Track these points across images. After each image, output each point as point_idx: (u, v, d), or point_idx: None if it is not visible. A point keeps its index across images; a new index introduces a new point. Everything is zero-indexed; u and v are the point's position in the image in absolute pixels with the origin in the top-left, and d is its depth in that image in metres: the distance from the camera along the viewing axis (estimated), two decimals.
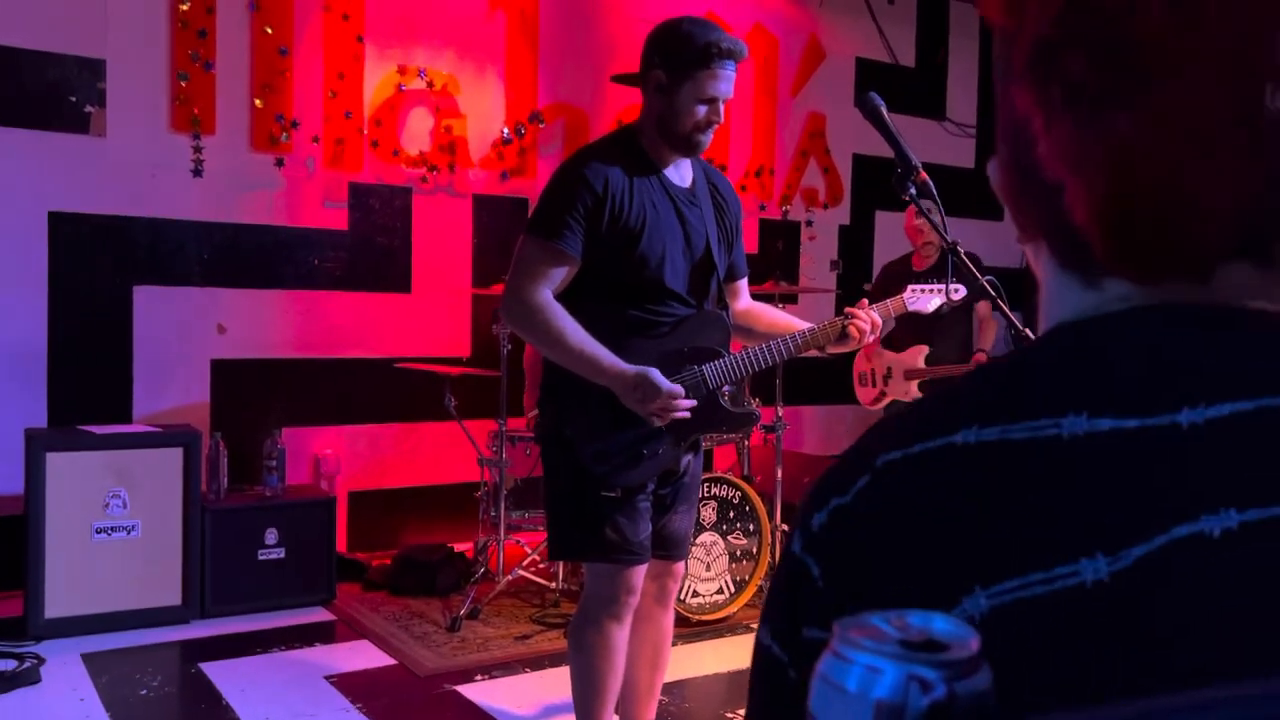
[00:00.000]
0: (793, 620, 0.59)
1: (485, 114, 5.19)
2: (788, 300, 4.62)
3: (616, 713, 2.57)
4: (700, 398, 2.36)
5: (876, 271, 4.67)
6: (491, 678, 3.49)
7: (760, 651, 0.62)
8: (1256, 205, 0.55)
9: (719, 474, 4.15)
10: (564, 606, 4.15)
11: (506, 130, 5.23)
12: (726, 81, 2.34)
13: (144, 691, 3.30)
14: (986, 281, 1.99)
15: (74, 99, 4.28)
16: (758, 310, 2.64)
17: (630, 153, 2.34)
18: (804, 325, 2.54)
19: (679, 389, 2.28)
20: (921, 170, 1.98)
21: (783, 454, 4.55)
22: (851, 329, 2.49)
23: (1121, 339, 0.57)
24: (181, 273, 4.51)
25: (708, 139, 2.38)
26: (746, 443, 4.46)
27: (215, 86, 4.51)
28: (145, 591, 3.80)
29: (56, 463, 3.68)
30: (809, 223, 6.29)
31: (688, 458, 2.50)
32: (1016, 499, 0.52)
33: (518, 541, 4.39)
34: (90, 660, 3.51)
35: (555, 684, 3.46)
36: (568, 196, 2.27)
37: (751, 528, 4.15)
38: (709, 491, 4.05)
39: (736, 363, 2.43)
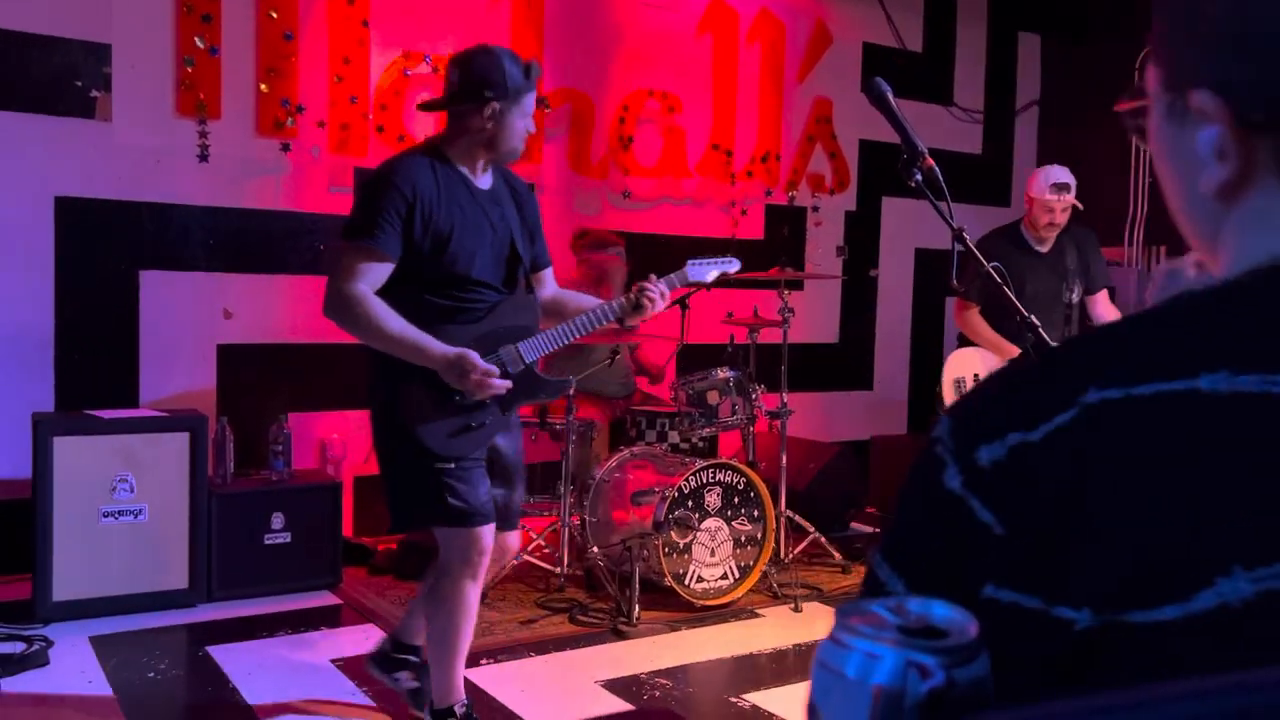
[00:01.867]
0: (955, 573, 0.50)
1: None
2: (794, 286, 4.60)
3: (407, 614, 2.92)
4: (518, 371, 2.68)
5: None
6: (496, 661, 3.51)
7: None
8: None
9: (724, 460, 4.16)
10: (569, 592, 4.17)
11: None
12: (534, 98, 2.71)
13: (151, 674, 3.32)
14: (992, 268, 1.99)
15: (80, 84, 4.27)
16: (565, 296, 2.94)
17: (437, 163, 2.64)
18: (596, 302, 2.86)
19: (494, 368, 2.58)
20: (928, 156, 1.97)
21: (787, 440, 4.55)
22: (644, 300, 2.77)
23: None
24: (187, 258, 4.51)
25: (523, 146, 2.75)
26: (752, 429, 4.46)
27: (221, 71, 4.50)
28: (152, 575, 3.82)
29: (64, 447, 3.69)
30: (815, 208, 6.26)
31: (506, 440, 2.77)
32: None
33: (523, 526, 4.40)
34: (98, 643, 3.53)
35: (560, 668, 3.48)
36: (382, 202, 2.53)
37: (756, 514, 4.15)
38: (714, 478, 4.06)
39: (546, 338, 2.75)
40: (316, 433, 4.82)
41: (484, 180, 2.73)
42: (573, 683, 3.36)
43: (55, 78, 4.23)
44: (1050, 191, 4.20)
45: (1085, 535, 0.47)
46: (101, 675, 3.29)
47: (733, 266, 2.96)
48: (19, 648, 3.39)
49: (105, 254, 4.36)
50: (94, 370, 4.35)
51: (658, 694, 3.29)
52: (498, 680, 3.34)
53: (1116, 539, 0.46)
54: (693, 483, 4.00)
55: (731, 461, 4.16)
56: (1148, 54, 0.61)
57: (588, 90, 5.45)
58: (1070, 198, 4.23)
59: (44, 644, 3.43)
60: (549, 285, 2.92)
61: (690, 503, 4.00)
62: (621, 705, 3.19)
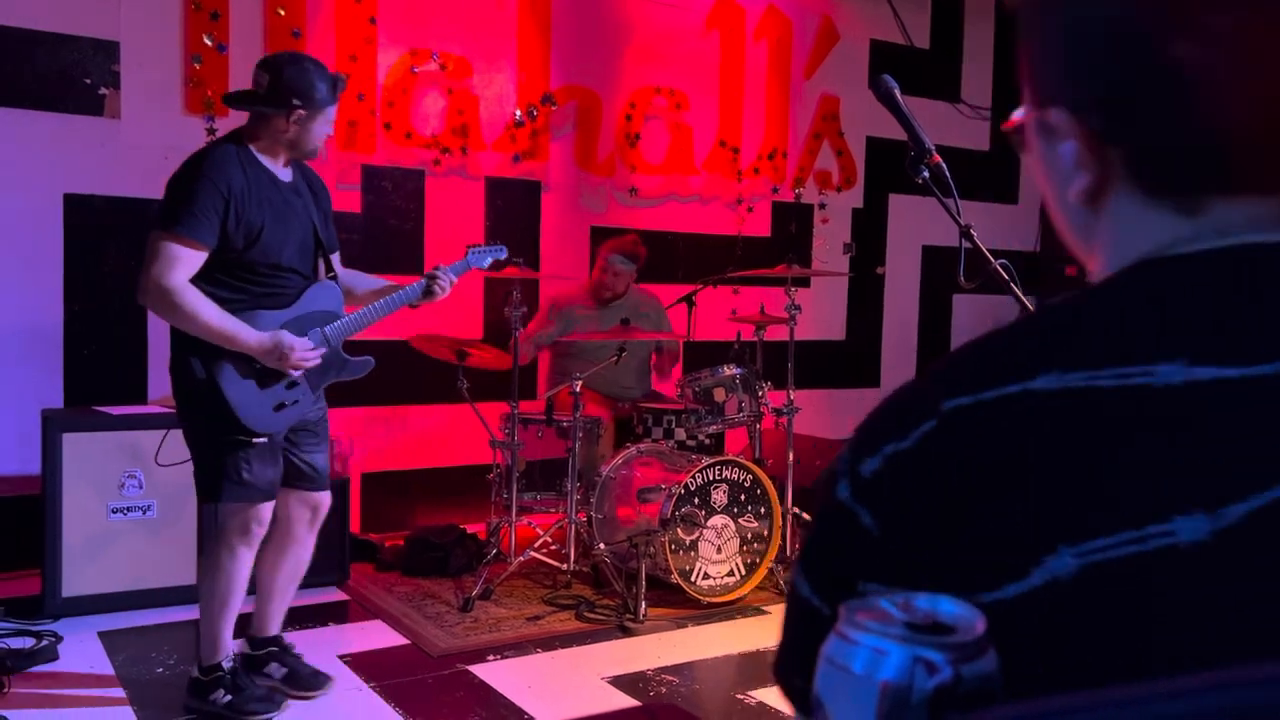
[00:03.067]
0: (843, 572, 0.55)
1: (497, 96, 5.18)
2: (800, 284, 4.60)
3: (255, 611, 3.14)
4: (328, 352, 2.93)
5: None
6: (503, 658, 3.51)
7: (800, 605, 0.58)
8: None
9: (730, 457, 4.16)
10: (575, 588, 4.17)
11: (519, 113, 5.22)
12: (336, 109, 2.95)
13: (160, 669, 3.33)
14: (999, 265, 1.99)
15: (88, 81, 4.29)
16: (353, 276, 3.20)
17: (244, 158, 2.82)
18: (393, 286, 3.16)
19: (307, 341, 2.84)
20: (935, 153, 1.97)
21: (794, 437, 4.55)
22: (435, 287, 3.09)
23: (1222, 280, 0.52)
24: None
25: (324, 147, 2.99)
26: (758, 426, 4.46)
27: (229, 68, 4.51)
28: (161, 570, 3.83)
29: (73, 443, 3.71)
30: (822, 205, 6.26)
31: (319, 407, 3.04)
32: (1105, 452, 0.49)
33: (529, 523, 4.41)
34: (107, 638, 3.55)
35: (567, 664, 3.48)
36: (197, 194, 2.70)
37: (763, 511, 4.15)
38: (720, 475, 4.06)
39: (351, 321, 3.01)
40: None
41: (285, 173, 2.93)
42: (579, 679, 3.37)
43: (64, 75, 4.24)
44: None
45: (944, 527, 0.51)
46: (110, 670, 3.30)
47: (503, 253, 3.43)
48: (28, 643, 3.40)
49: (114, 251, 4.37)
50: (103, 366, 4.36)
51: (664, 690, 3.30)
52: (504, 676, 3.35)
53: (968, 528, 0.51)
54: (699, 480, 4.00)
55: (738, 459, 4.16)
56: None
57: (595, 87, 5.45)
58: None
59: (53, 639, 3.44)
60: (335, 266, 3.12)
61: (697, 500, 4.00)
62: (628, 701, 3.20)
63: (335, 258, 3.10)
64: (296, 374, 2.86)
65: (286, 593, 3.17)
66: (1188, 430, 0.48)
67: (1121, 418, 0.49)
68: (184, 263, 2.70)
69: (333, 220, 3.12)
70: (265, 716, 2.98)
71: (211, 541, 2.96)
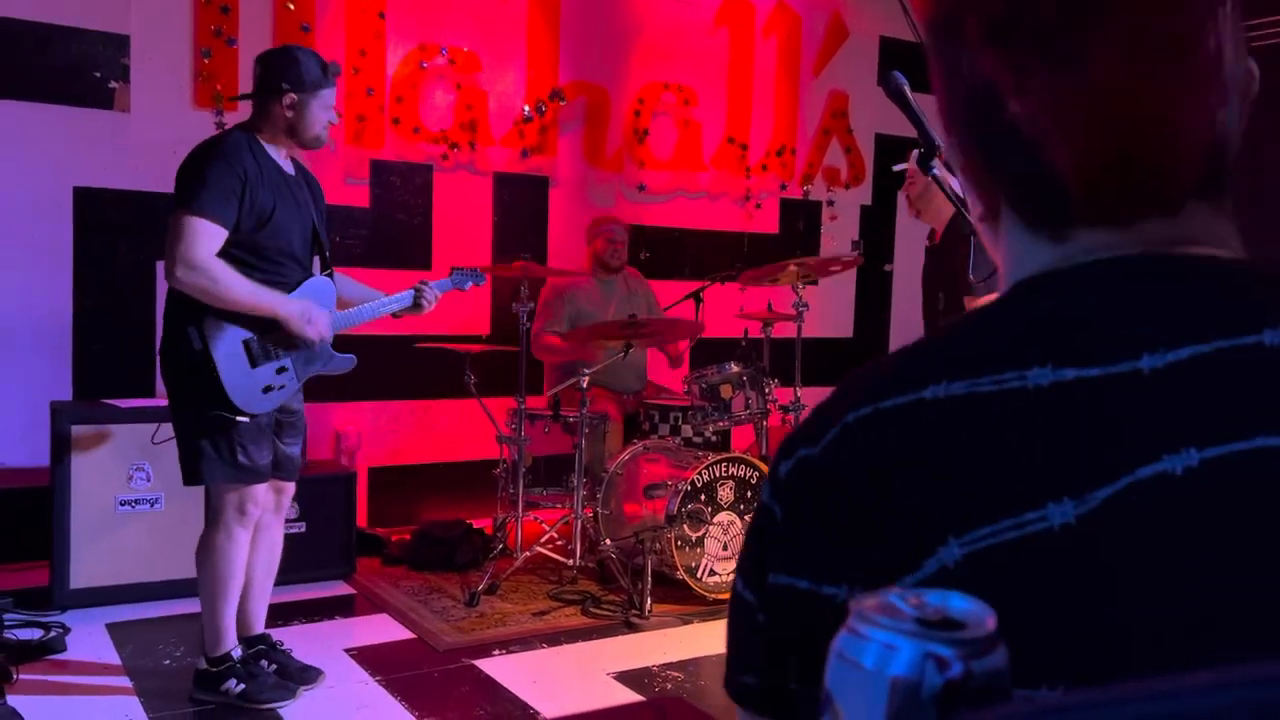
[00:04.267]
0: (760, 565, 0.60)
1: (506, 91, 5.18)
2: (808, 281, 4.59)
3: (238, 612, 3.09)
4: (318, 344, 3.02)
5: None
6: (509, 652, 3.52)
7: (733, 596, 0.64)
8: (1218, 139, 0.58)
9: (737, 454, 4.16)
10: (581, 584, 4.18)
11: (527, 108, 5.22)
12: (334, 94, 3.02)
13: (167, 661, 3.34)
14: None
15: (98, 74, 4.30)
16: (342, 279, 3.28)
17: (252, 149, 2.90)
18: (380, 294, 3.26)
19: (326, 315, 2.97)
20: (944, 150, 1.96)
21: None
22: (422, 300, 3.23)
23: (1082, 292, 0.58)
24: None
25: (327, 137, 3.05)
26: (765, 423, 4.46)
27: (238, 62, 4.52)
28: (168, 563, 3.84)
29: (82, 436, 3.72)
30: (830, 202, 6.25)
31: (299, 400, 3.10)
32: (985, 450, 0.54)
33: (536, 518, 4.42)
34: (115, 630, 3.56)
35: (572, 660, 3.49)
36: (215, 175, 2.78)
37: None
38: (726, 471, 4.06)
39: (344, 317, 3.11)
40: (331, 423, 4.84)
41: (288, 166, 3.02)
42: (585, 674, 3.37)
43: (74, 68, 4.25)
44: None
45: (845, 524, 0.56)
46: (118, 661, 3.31)
47: (481, 280, 3.60)
48: (37, 634, 3.42)
49: (123, 244, 4.39)
50: (112, 360, 4.38)
51: (669, 686, 3.30)
52: (510, 671, 3.36)
53: (865, 524, 0.55)
54: (705, 476, 4.00)
55: (744, 455, 4.16)
56: None
57: (603, 83, 5.45)
58: None
59: (61, 630, 3.46)
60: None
61: (703, 496, 4.00)
62: (633, 697, 3.20)
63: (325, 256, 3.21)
64: (312, 340, 2.93)
65: (265, 586, 3.18)
66: (1055, 426, 0.53)
67: (998, 418, 0.54)
68: (208, 239, 2.76)
69: (324, 220, 3.19)
70: (278, 705, 2.99)
71: (207, 528, 2.99)
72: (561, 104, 5.30)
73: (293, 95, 2.91)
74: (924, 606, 0.44)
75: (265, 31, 4.57)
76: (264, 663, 3.11)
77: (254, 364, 2.90)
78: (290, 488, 3.19)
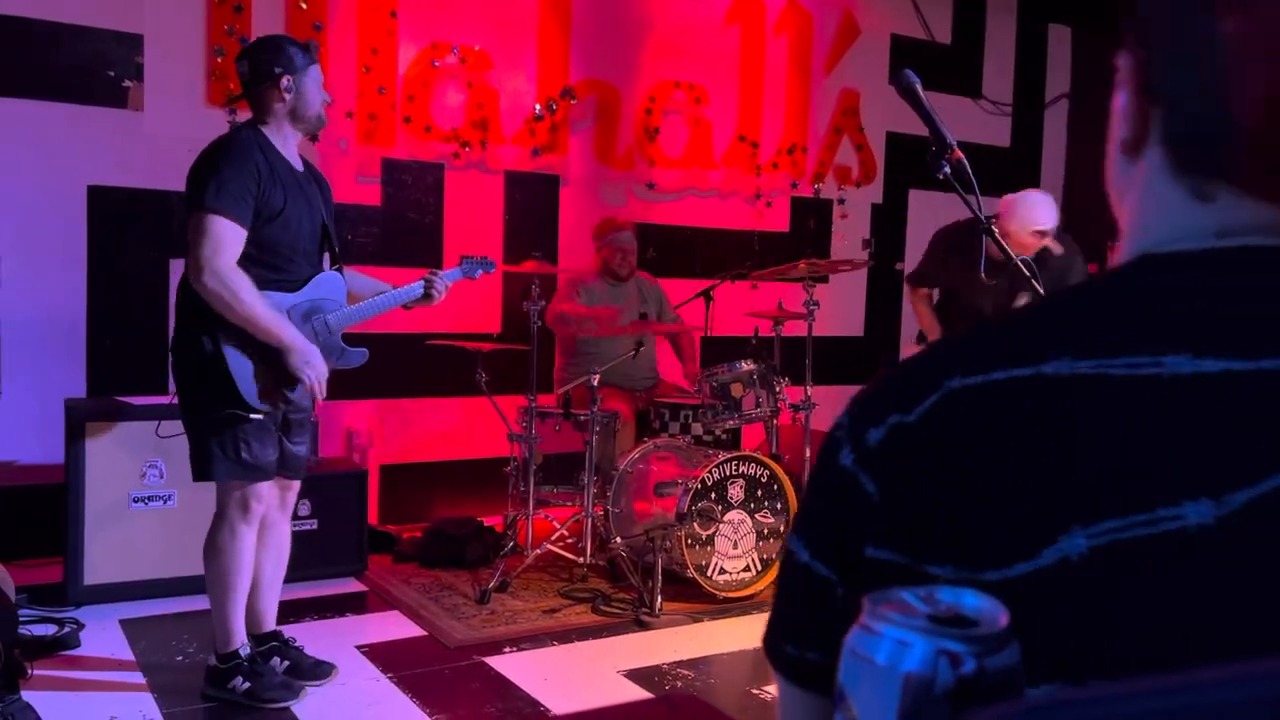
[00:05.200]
0: (843, 537, 0.56)
1: (517, 90, 5.19)
2: (819, 280, 4.58)
3: (248, 609, 3.09)
4: (327, 339, 3.01)
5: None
6: (520, 650, 3.53)
7: (796, 569, 0.59)
8: None
9: (747, 452, 4.16)
10: (592, 581, 4.18)
11: (538, 106, 5.22)
12: (320, 71, 3.02)
13: (180, 658, 3.36)
14: (1020, 261, 1.98)
15: (112, 73, 4.32)
16: (352, 275, 3.26)
17: (261, 142, 2.90)
18: (390, 287, 3.24)
19: (324, 368, 2.94)
20: (956, 149, 1.96)
21: (811, 433, 4.54)
22: (432, 291, 3.23)
23: (1226, 276, 0.54)
24: None
25: (325, 117, 3.05)
26: (775, 422, 4.46)
27: None
28: (181, 560, 3.85)
29: (95, 432, 3.74)
30: (841, 201, 6.24)
31: (306, 400, 3.05)
32: (1116, 437, 0.51)
33: (546, 516, 4.42)
34: (128, 626, 3.58)
35: (583, 657, 3.49)
36: (232, 175, 2.78)
37: (779, 506, 4.15)
38: (737, 470, 4.06)
39: (353, 312, 3.11)
40: (343, 421, 4.86)
41: (296, 162, 3.01)
42: (595, 672, 3.38)
43: (88, 67, 4.27)
44: (1030, 236, 3.87)
45: (948, 501, 0.53)
46: (131, 657, 3.33)
47: (491, 268, 3.59)
48: (51, 630, 3.44)
49: (137, 242, 4.41)
50: (125, 357, 4.40)
51: (680, 684, 3.30)
52: (521, 668, 3.36)
53: (974, 505, 0.52)
54: (716, 475, 4.00)
55: (755, 454, 4.16)
56: None
57: (614, 81, 5.45)
58: (1048, 239, 3.92)
59: (75, 626, 3.48)
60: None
61: (713, 495, 4.00)
62: (644, 695, 3.21)
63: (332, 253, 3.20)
64: (305, 383, 2.92)
65: (274, 583, 3.18)
66: (1194, 419, 0.50)
67: (1132, 404, 0.51)
68: (231, 242, 2.78)
69: (332, 216, 3.19)
70: (284, 704, 3.00)
71: (213, 528, 3.00)
72: (572, 102, 5.31)
73: (288, 77, 2.91)
74: (937, 603, 0.44)
75: (278, 30, 4.58)
76: (276, 660, 3.12)
77: (263, 363, 2.89)
78: (296, 485, 3.19)
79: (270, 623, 3.19)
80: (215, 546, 2.98)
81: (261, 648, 3.13)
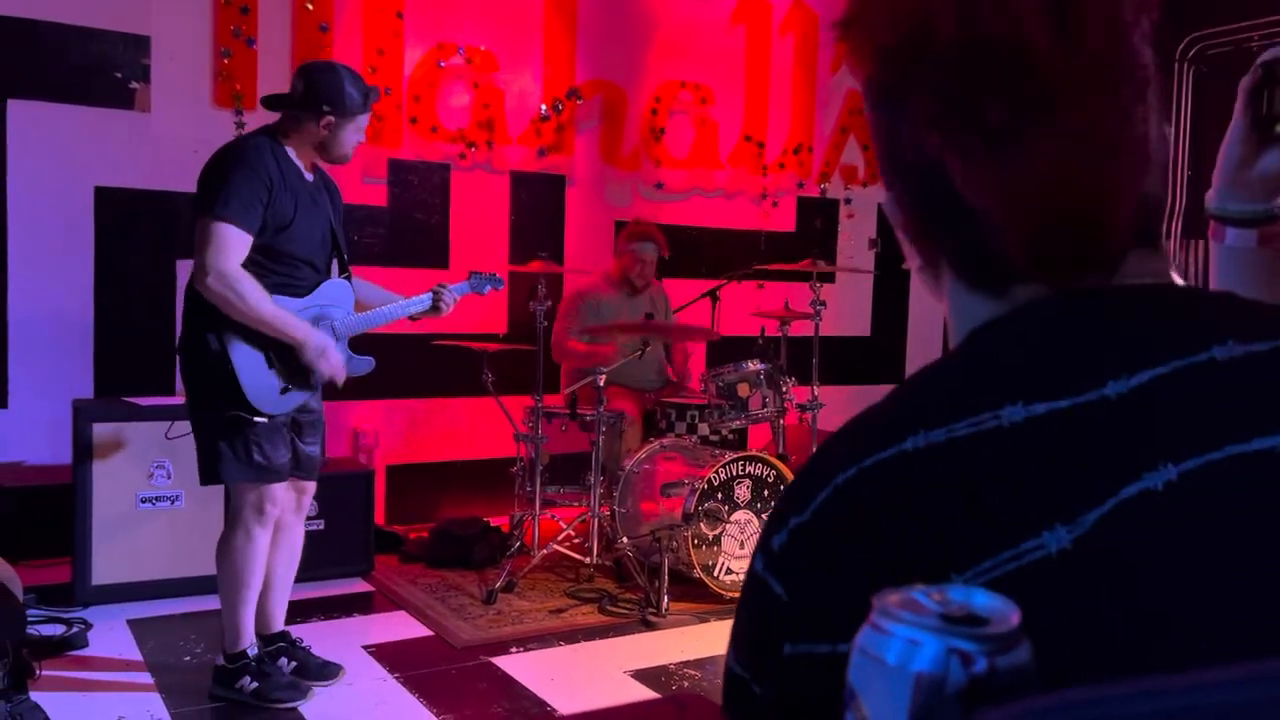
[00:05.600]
0: (762, 640, 0.60)
1: (523, 90, 5.19)
2: (825, 279, 4.58)
3: (257, 609, 3.10)
4: (336, 346, 3.01)
5: None
6: (526, 650, 3.53)
7: (728, 676, 0.63)
8: (1147, 201, 0.63)
9: (754, 452, 4.15)
10: (598, 582, 4.18)
11: (544, 107, 5.22)
12: (369, 117, 3.06)
13: (188, 658, 3.37)
14: None
15: (119, 75, 4.33)
16: (360, 284, 3.27)
17: (276, 152, 2.91)
18: (398, 297, 3.26)
19: (340, 354, 2.98)
20: None
21: (818, 433, 4.54)
22: (440, 304, 3.24)
23: (1035, 331, 0.62)
24: None
25: (352, 155, 3.07)
26: (782, 422, 4.45)
27: (257, 62, 4.54)
28: (189, 560, 3.87)
29: (103, 433, 3.75)
30: (848, 201, 6.23)
31: (318, 400, 3.10)
32: (974, 490, 0.56)
33: (552, 516, 4.42)
34: (136, 626, 3.59)
35: (589, 657, 3.49)
36: (242, 181, 2.79)
37: None
38: (744, 470, 4.05)
39: (360, 320, 3.12)
40: (349, 421, 4.86)
41: (308, 172, 3.03)
42: (601, 672, 3.38)
43: (95, 68, 4.28)
44: None
45: (846, 585, 0.57)
46: (139, 657, 3.34)
47: (500, 285, 3.61)
48: (59, 630, 3.45)
49: (144, 243, 4.42)
50: (132, 358, 4.41)
51: (686, 684, 3.30)
52: (527, 668, 3.36)
53: (869, 579, 0.53)
54: (722, 475, 4.00)
55: (761, 454, 4.16)
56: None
57: (620, 81, 5.45)
58: None
59: (83, 626, 3.49)
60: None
61: (720, 495, 4.00)
62: (650, 695, 3.21)
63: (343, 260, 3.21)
64: (320, 375, 2.96)
65: (285, 584, 3.19)
66: (1037, 458, 0.55)
67: (983, 458, 0.56)
68: (236, 248, 2.78)
69: (342, 225, 3.19)
70: (290, 704, 3.00)
71: (226, 528, 3.01)
72: (578, 103, 5.31)
73: (331, 119, 2.92)
74: (948, 602, 0.44)
75: (284, 32, 4.60)
76: (284, 660, 3.12)
77: (269, 367, 2.91)
78: (311, 487, 3.20)
79: (279, 623, 3.20)
80: (229, 548, 2.99)
81: (269, 648, 3.13)
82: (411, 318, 3.28)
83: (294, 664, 3.14)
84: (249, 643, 3.03)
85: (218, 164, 2.84)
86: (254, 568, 2.99)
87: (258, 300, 2.80)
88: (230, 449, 2.87)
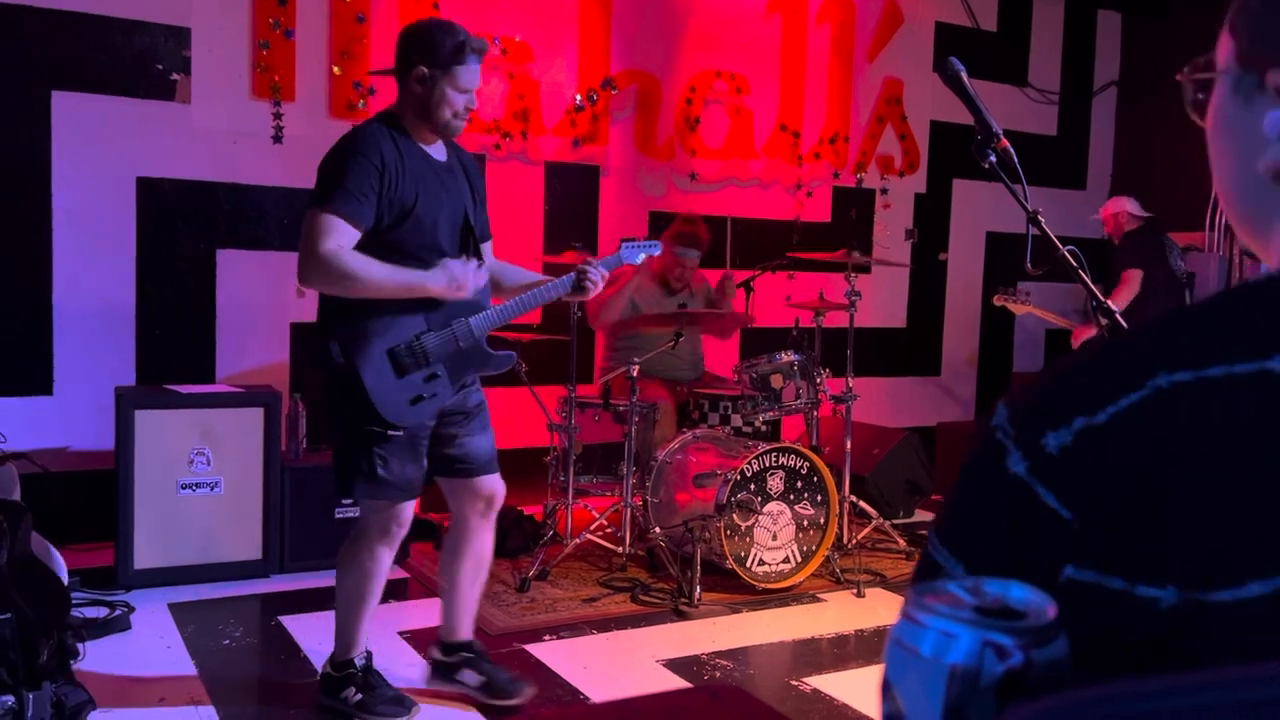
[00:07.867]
0: (1019, 555, 0.50)
1: (558, 81, 5.19)
2: (861, 270, 4.55)
3: (442, 616, 3.04)
4: (469, 345, 2.78)
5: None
6: (559, 638, 3.55)
7: (926, 563, 0.54)
8: None
9: (787, 444, 4.14)
10: (631, 571, 4.19)
11: (579, 97, 5.22)
12: (476, 75, 2.74)
13: (227, 641, 3.42)
14: (1068, 251, 1.95)
15: (160, 66, 4.39)
16: (503, 270, 3.02)
17: (395, 133, 2.70)
18: (538, 276, 3.00)
19: (472, 264, 2.72)
20: (1003, 138, 1.93)
21: (852, 425, 4.51)
22: (586, 282, 2.91)
23: None
24: (262, 237, 4.61)
25: (463, 124, 2.77)
26: (815, 413, 4.44)
27: (295, 54, 4.58)
28: (228, 546, 3.93)
29: (145, 420, 3.81)
30: (884, 190, 6.18)
31: (472, 394, 2.91)
32: None
33: (585, 506, 4.44)
34: (176, 610, 3.65)
35: (621, 646, 3.51)
36: (350, 171, 2.60)
37: (819, 498, 4.13)
38: (776, 461, 4.04)
39: (495, 314, 2.84)
40: None
41: (437, 151, 2.80)
42: (634, 661, 3.39)
43: (137, 61, 4.34)
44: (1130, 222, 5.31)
45: (1169, 517, 0.46)
46: (180, 641, 3.40)
47: (656, 249, 3.32)
48: (103, 612, 3.52)
49: (184, 233, 4.48)
50: (173, 346, 4.48)
51: (718, 674, 3.30)
52: (560, 656, 3.38)
53: (1201, 520, 0.46)
54: (755, 466, 4.00)
55: (795, 445, 4.14)
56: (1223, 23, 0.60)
57: (655, 71, 5.43)
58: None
59: (125, 609, 3.55)
60: (489, 258, 2.99)
61: (753, 486, 3.99)
62: (682, 684, 3.21)
63: (487, 246, 2.98)
64: (469, 299, 2.74)
65: (471, 592, 3.02)
66: None
67: None
68: (339, 234, 2.58)
69: (485, 206, 2.98)
70: (393, 719, 2.90)
71: (351, 540, 2.87)
72: (613, 93, 5.30)
73: (423, 69, 2.66)
74: (983, 595, 0.44)
75: (322, 23, 4.63)
76: (468, 673, 2.99)
77: (401, 374, 2.70)
78: (491, 484, 2.97)
79: (466, 631, 3.04)
80: (353, 561, 2.84)
81: (453, 657, 3.02)
82: (560, 300, 3.02)
83: (481, 678, 2.98)
84: (358, 653, 2.90)
85: (330, 157, 2.68)
86: (373, 586, 2.85)
87: (364, 266, 2.58)
88: (358, 463, 2.72)
